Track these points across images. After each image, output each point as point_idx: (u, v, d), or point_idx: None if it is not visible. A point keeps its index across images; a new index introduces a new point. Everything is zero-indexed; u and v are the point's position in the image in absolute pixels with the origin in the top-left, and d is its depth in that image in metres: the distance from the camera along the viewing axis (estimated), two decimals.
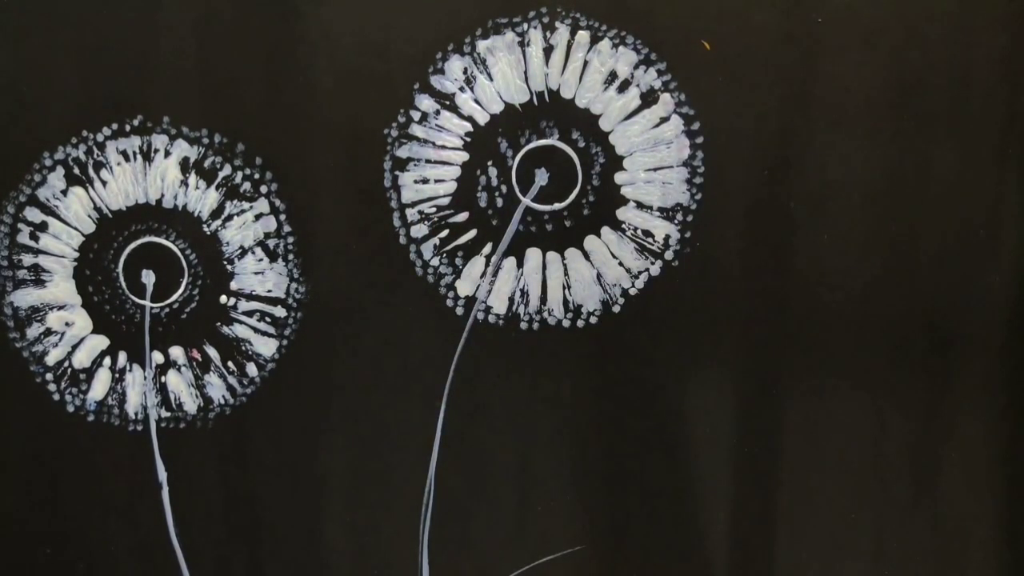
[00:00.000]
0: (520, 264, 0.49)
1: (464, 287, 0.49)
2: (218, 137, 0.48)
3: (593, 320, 0.49)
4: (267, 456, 0.49)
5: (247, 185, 0.49)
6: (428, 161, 0.48)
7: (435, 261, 0.49)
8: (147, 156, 0.48)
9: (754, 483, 0.49)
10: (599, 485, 0.49)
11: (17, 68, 0.48)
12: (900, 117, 0.47)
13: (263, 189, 0.49)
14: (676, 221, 0.48)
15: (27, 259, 0.49)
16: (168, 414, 0.49)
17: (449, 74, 0.48)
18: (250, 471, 0.49)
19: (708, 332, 0.48)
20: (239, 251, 0.49)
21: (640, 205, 0.48)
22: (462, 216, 0.48)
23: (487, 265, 0.49)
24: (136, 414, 0.49)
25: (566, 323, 0.49)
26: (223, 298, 0.49)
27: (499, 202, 0.48)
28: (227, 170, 0.49)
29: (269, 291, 0.49)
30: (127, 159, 0.48)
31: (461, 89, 0.48)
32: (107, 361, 0.49)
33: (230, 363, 0.49)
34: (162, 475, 0.49)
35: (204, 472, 0.50)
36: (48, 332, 0.49)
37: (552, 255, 0.48)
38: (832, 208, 0.48)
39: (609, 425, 0.49)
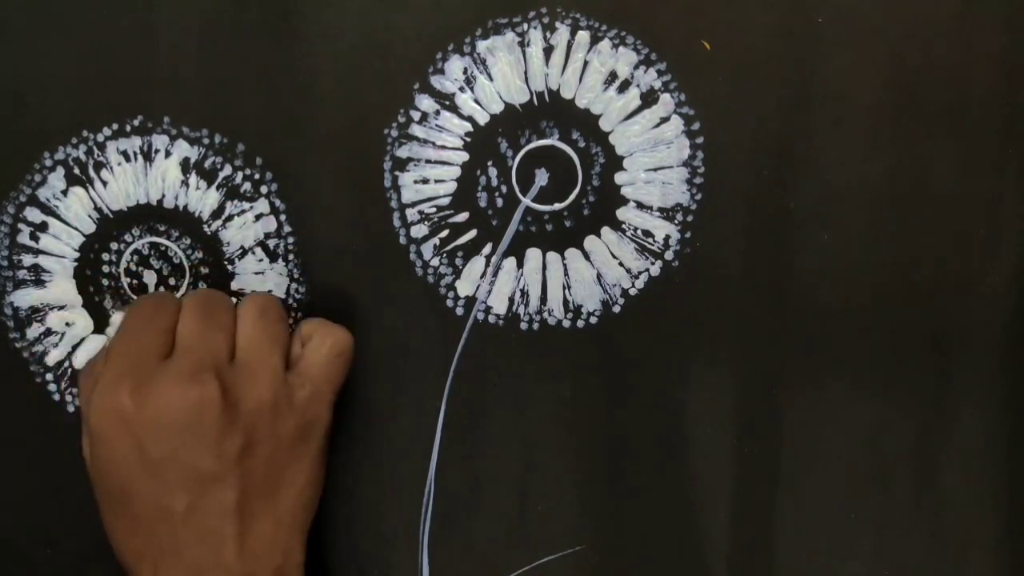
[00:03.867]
0: (520, 264, 0.49)
1: (464, 287, 0.49)
2: (218, 137, 0.48)
3: (593, 320, 0.49)
4: None
5: (247, 185, 0.49)
6: (428, 161, 0.48)
7: (435, 261, 0.49)
8: (148, 156, 0.49)
9: (754, 483, 0.49)
10: (599, 485, 0.49)
11: (17, 68, 0.48)
12: (900, 117, 0.47)
13: (263, 189, 0.49)
14: (676, 221, 0.48)
15: (27, 259, 0.49)
16: None
17: (449, 74, 0.48)
18: None
19: (708, 332, 0.48)
20: (239, 251, 0.49)
21: (640, 205, 0.48)
22: (462, 216, 0.48)
23: (487, 265, 0.49)
24: None
25: (566, 323, 0.49)
26: None
27: (499, 202, 0.48)
28: (227, 170, 0.49)
29: (269, 291, 0.49)
30: (127, 159, 0.49)
31: (461, 89, 0.48)
32: None
33: None
34: None
35: None
36: (48, 332, 0.49)
37: (552, 255, 0.48)
38: (832, 208, 0.48)
39: (609, 425, 0.49)
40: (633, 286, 0.48)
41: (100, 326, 0.49)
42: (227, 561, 0.43)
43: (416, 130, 0.48)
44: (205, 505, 0.43)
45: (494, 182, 0.48)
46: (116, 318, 0.47)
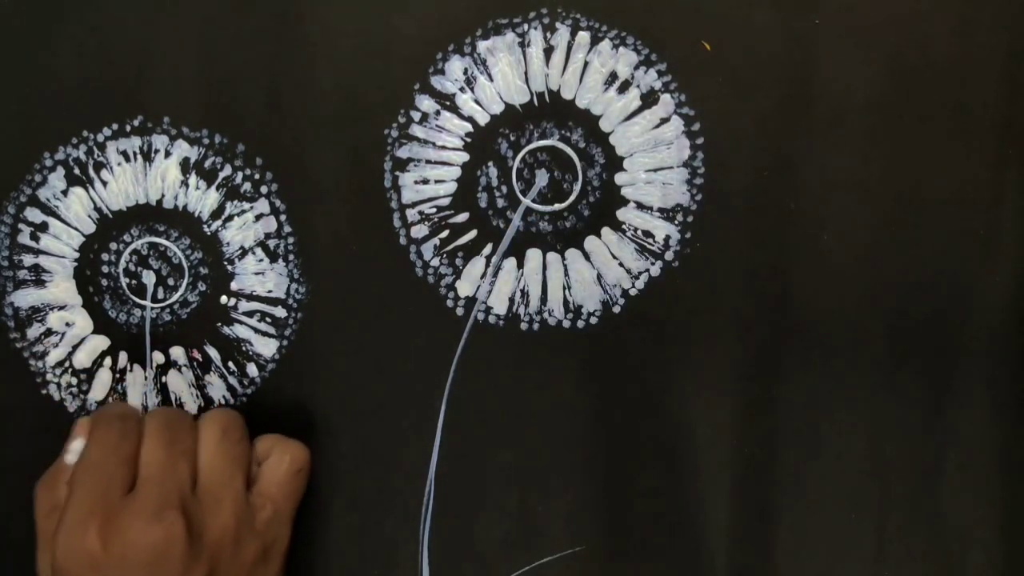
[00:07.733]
0: (520, 265, 0.49)
1: (464, 288, 0.49)
2: (218, 137, 0.48)
3: (593, 320, 0.49)
4: None
5: (247, 185, 0.49)
6: (428, 161, 0.48)
7: (435, 262, 0.49)
8: (147, 156, 0.48)
9: (754, 483, 0.49)
10: (599, 485, 0.49)
11: (17, 68, 0.48)
12: (900, 117, 0.47)
13: (263, 189, 0.49)
14: (676, 222, 0.48)
15: (27, 259, 0.49)
16: None
17: (449, 74, 0.48)
18: None
19: (708, 332, 0.48)
20: (239, 251, 0.49)
21: (640, 206, 0.48)
22: (462, 217, 0.48)
23: (487, 266, 0.49)
24: None
25: (566, 323, 0.49)
26: (223, 298, 0.49)
27: (499, 203, 0.48)
28: (227, 170, 0.49)
29: (269, 291, 0.49)
30: (127, 159, 0.49)
31: (461, 90, 0.48)
32: (107, 361, 0.49)
33: (230, 363, 0.49)
34: None
35: None
36: (48, 332, 0.49)
37: (552, 256, 0.48)
38: (832, 208, 0.48)
39: (609, 425, 0.49)
40: (633, 286, 0.48)
41: (100, 326, 0.49)
42: None
43: (416, 130, 0.48)
44: None
45: (494, 182, 0.48)
46: (76, 444, 0.46)
